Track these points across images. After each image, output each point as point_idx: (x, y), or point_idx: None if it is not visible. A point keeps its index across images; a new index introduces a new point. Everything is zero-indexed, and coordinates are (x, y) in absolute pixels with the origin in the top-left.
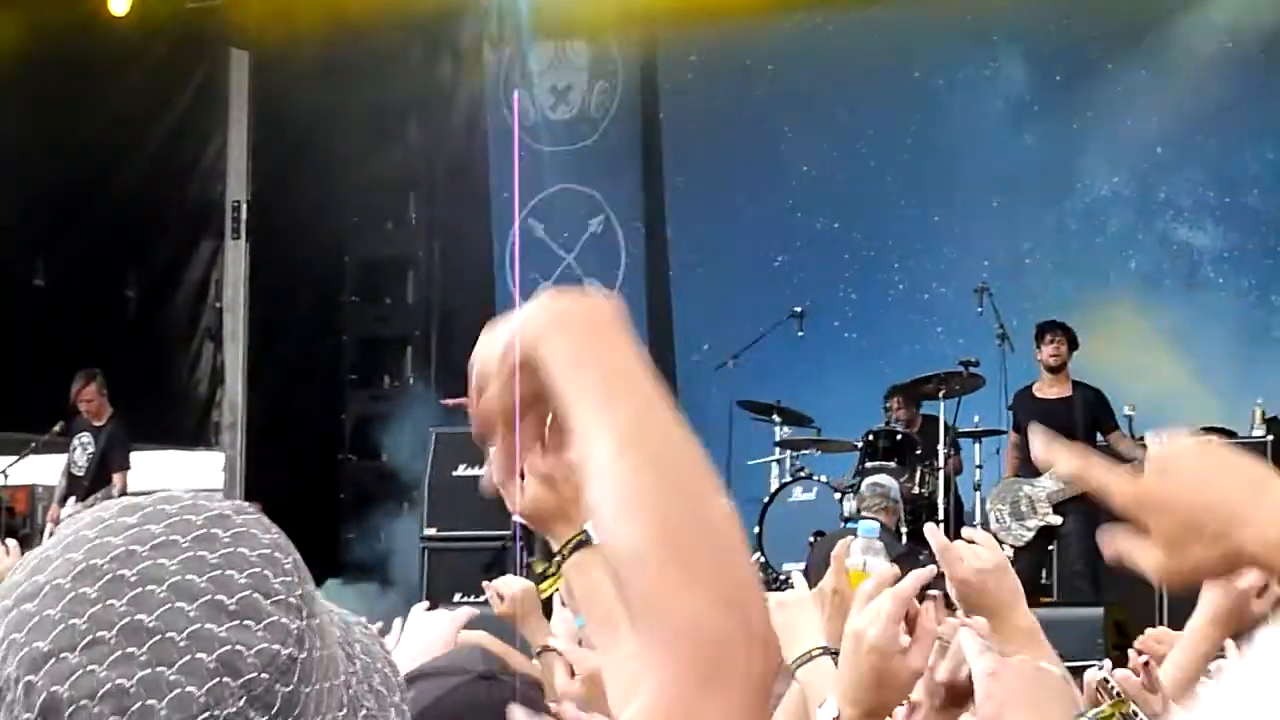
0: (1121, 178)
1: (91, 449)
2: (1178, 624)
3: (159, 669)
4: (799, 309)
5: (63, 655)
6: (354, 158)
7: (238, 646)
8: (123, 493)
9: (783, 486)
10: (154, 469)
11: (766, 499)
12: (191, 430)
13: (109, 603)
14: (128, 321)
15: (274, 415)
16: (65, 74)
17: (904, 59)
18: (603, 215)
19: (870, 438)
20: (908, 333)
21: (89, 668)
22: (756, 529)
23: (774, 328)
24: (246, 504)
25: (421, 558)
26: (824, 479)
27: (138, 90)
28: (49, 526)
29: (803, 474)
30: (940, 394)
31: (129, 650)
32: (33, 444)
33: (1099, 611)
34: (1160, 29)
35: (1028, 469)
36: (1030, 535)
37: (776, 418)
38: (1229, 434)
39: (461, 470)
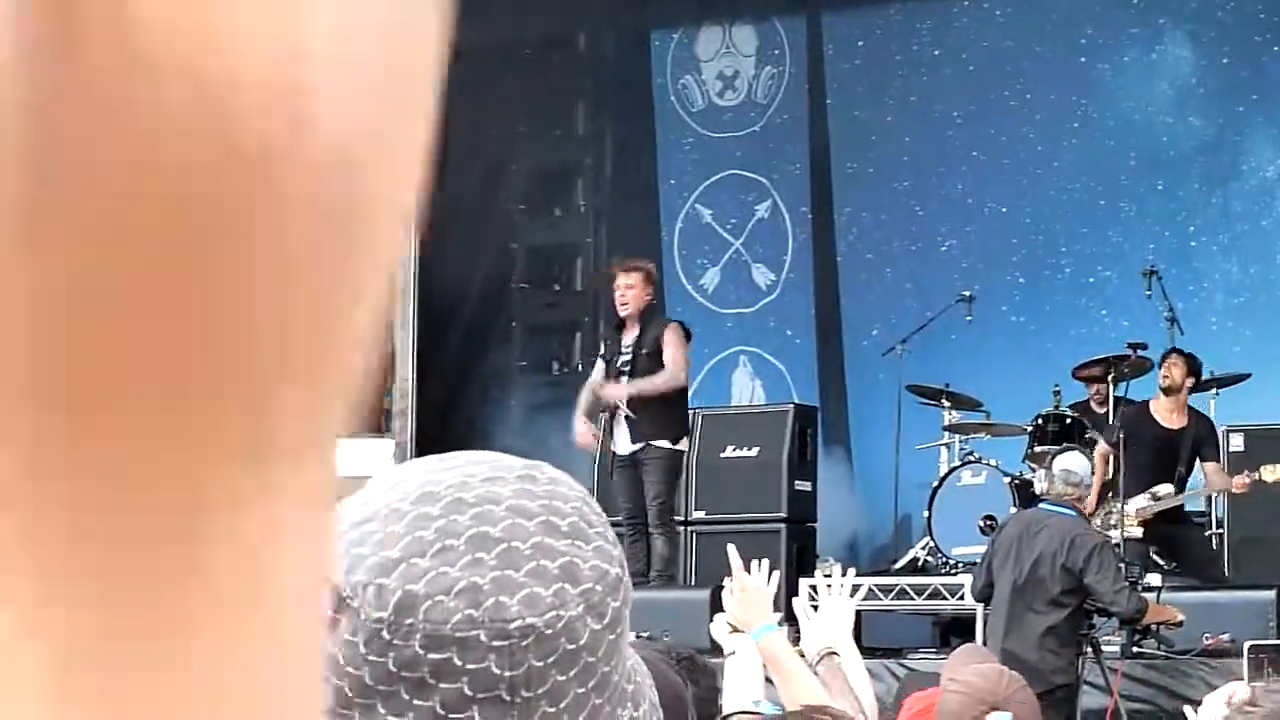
0: None
1: None
2: None
3: (508, 571)
4: (967, 293)
5: (413, 560)
6: (521, 145)
7: (575, 560)
8: None
9: (951, 471)
10: None
11: (936, 483)
12: (363, 417)
13: (453, 518)
14: None
15: (445, 402)
16: None
17: (1069, 43)
18: (770, 201)
19: (1040, 421)
20: (1075, 316)
21: (441, 569)
22: (926, 513)
23: (942, 312)
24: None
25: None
26: (993, 463)
27: None
28: None
29: (972, 458)
30: (1110, 377)
31: (478, 555)
32: None
33: (1270, 595)
34: None
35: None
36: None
37: (945, 402)
38: None
39: (730, 451)
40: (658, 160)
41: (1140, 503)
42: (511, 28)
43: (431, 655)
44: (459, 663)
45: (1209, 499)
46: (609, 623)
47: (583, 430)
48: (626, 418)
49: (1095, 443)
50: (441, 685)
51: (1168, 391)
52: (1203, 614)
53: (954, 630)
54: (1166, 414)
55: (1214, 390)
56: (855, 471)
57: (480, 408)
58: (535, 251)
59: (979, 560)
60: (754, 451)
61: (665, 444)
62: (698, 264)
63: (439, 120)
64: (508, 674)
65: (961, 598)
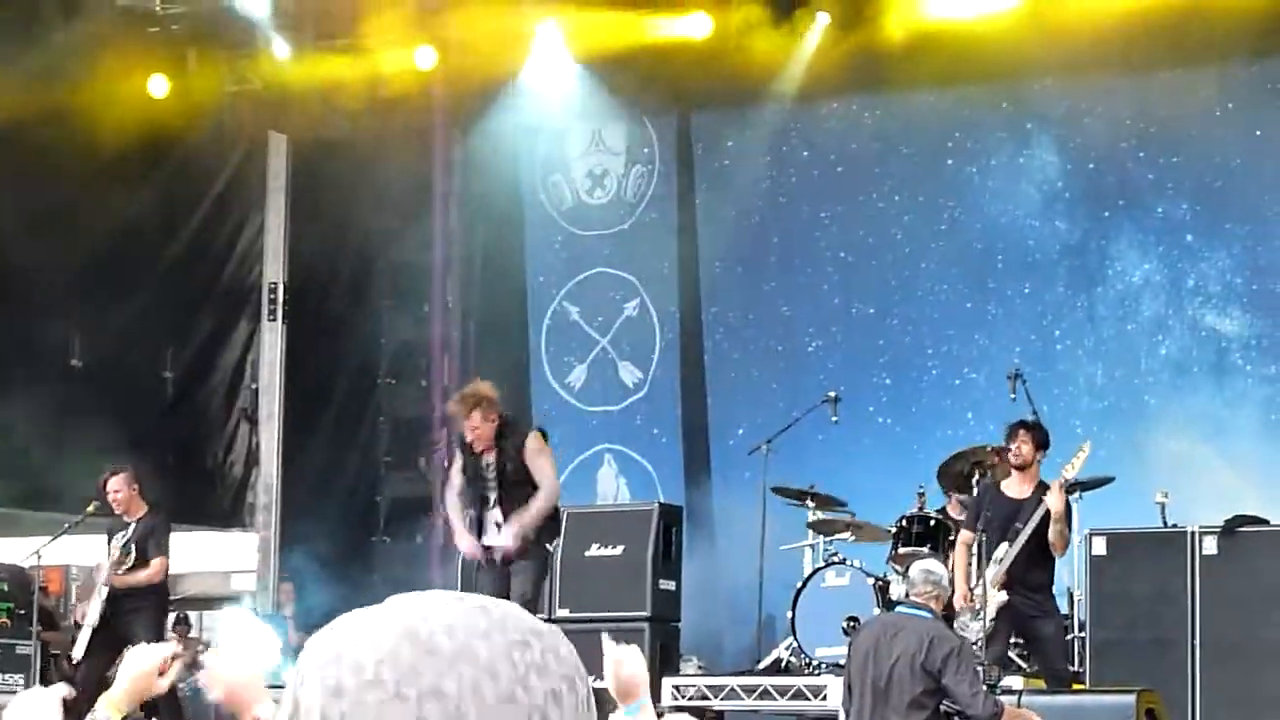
0: (1152, 264)
1: (126, 543)
2: (1211, 711)
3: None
4: (833, 394)
5: (365, 694)
6: (390, 241)
7: None
8: (164, 577)
9: (815, 571)
10: (189, 549)
11: (800, 584)
12: (226, 511)
13: (419, 663)
14: (165, 402)
15: (309, 496)
16: (103, 156)
17: (938, 146)
18: (638, 299)
19: (904, 523)
20: (941, 418)
21: (384, 714)
22: (790, 613)
23: (808, 412)
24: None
25: None
26: (857, 564)
27: (176, 172)
28: (77, 610)
29: (836, 559)
30: (975, 478)
31: (424, 713)
32: (67, 525)
33: (1130, 699)
34: (1192, 118)
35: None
36: (990, 622)
37: (810, 502)
38: (1261, 521)
39: (595, 549)
40: (526, 257)
41: (989, 572)
42: (381, 122)
43: None
44: None
45: (1070, 601)
46: None
47: (471, 544)
48: (497, 523)
49: (955, 544)
50: None
51: (1019, 467)
52: (1062, 718)
53: None
54: (1016, 487)
55: (1077, 494)
56: (719, 571)
57: (347, 502)
58: (402, 347)
59: (841, 663)
60: (619, 550)
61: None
62: (565, 361)
63: (310, 214)
64: None
65: (824, 698)
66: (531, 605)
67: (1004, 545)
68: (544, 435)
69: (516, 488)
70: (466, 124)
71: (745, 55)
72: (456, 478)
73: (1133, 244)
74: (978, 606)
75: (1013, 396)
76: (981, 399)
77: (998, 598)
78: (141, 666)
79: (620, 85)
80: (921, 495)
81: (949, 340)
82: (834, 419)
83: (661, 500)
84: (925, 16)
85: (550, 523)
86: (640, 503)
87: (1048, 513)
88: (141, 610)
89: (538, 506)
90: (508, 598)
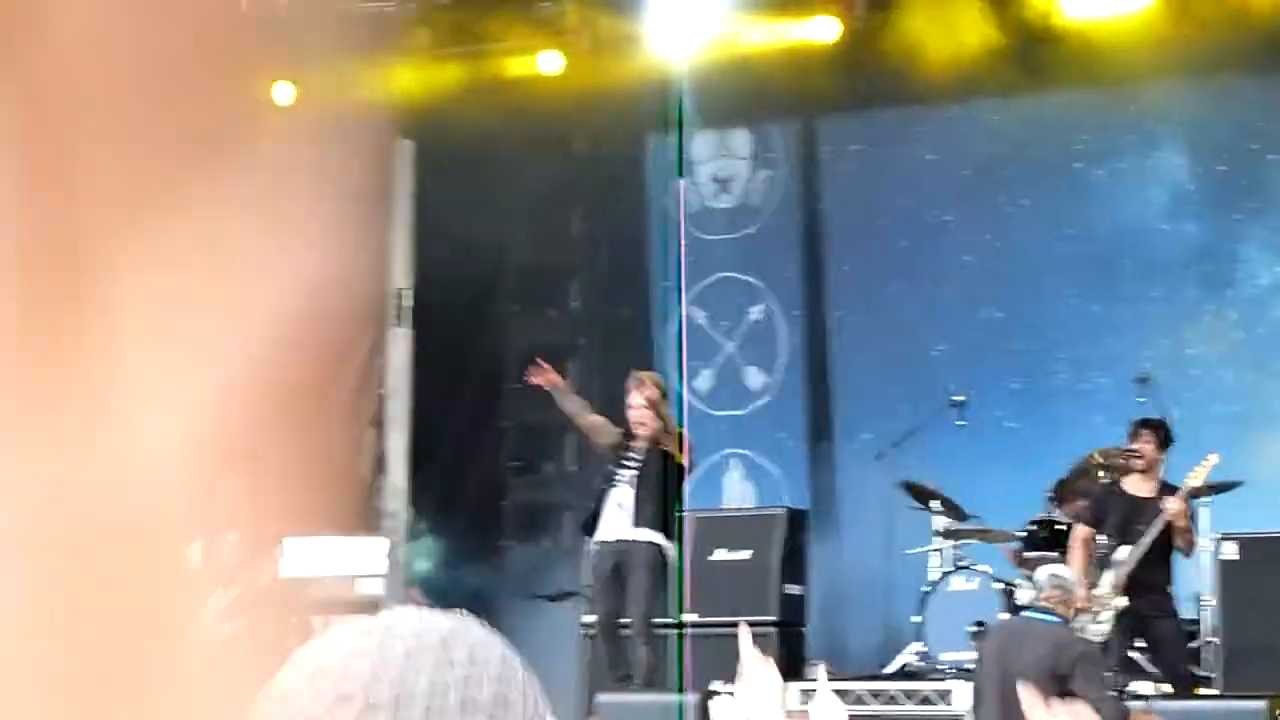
0: None
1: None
2: None
3: None
4: (959, 398)
5: None
6: (516, 245)
7: None
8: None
9: (944, 576)
10: (317, 554)
11: (927, 588)
12: (354, 516)
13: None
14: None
15: (437, 502)
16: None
17: (1064, 148)
18: (764, 304)
19: (1032, 528)
20: (1069, 422)
21: None
22: (917, 618)
23: (933, 416)
24: (467, 621)
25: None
26: (985, 568)
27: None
28: None
29: (963, 564)
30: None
31: None
32: None
33: (1262, 705)
34: None
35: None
36: (1108, 626)
37: (937, 505)
38: None
39: (721, 554)
40: (651, 261)
41: (1109, 576)
42: (507, 128)
43: None
44: None
45: (1198, 607)
46: None
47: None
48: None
49: None
50: None
51: (1142, 470)
52: None
53: None
54: (1138, 485)
55: (1207, 498)
56: (846, 575)
57: (474, 507)
58: (528, 352)
59: (968, 667)
60: (745, 554)
61: (659, 538)
62: (691, 366)
63: (437, 220)
64: None
65: (951, 703)
66: (650, 612)
67: (1124, 548)
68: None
69: (656, 475)
70: (592, 128)
71: (870, 58)
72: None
73: (1264, 246)
74: (1096, 609)
75: (1140, 400)
76: (1110, 403)
77: (1118, 601)
78: None
79: (745, 89)
80: (1051, 500)
81: (1076, 344)
82: (959, 423)
83: (788, 504)
84: (1050, 17)
85: (671, 523)
86: (767, 507)
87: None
88: None
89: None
90: (623, 602)
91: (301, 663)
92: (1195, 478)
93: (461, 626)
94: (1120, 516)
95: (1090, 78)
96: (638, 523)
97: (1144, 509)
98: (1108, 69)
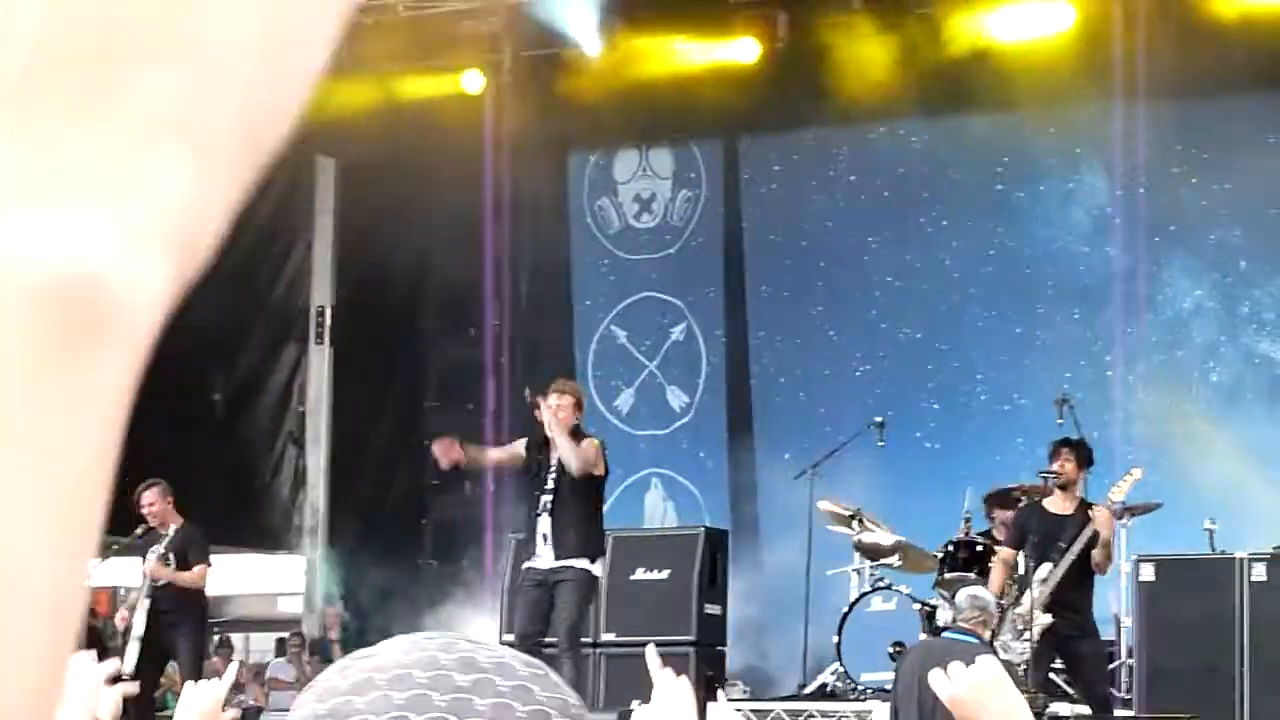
0: (1203, 290)
1: (165, 550)
2: None
3: None
4: (880, 419)
5: None
6: (436, 264)
7: None
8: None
9: (861, 596)
10: (236, 571)
11: (846, 609)
12: (274, 533)
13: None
14: (213, 425)
15: (356, 519)
16: None
17: (987, 171)
18: (685, 323)
19: (950, 548)
20: (989, 443)
21: None
22: (835, 638)
23: (854, 437)
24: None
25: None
26: (904, 589)
27: None
28: (118, 623)
29: (882, 584)
30: (1019, 504)
31: None
32: (114, 546)
33: None
34: (1242, 143)
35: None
36: (1032, 645)
37: (856, 526)
38: None
39: (641, 573)
40: (573, 281)
41: (1033, 593)
42: (429, 146)
43: None
44: None
45: (1118, 628)
46: None
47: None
48: (544, 535)
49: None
50: None
51: (1063, 487)
52: None
53: None
54: (1059, 505)
55: (1126, 519)
56: (765, 595)
57: (394, 526)
58: (448, 370)
59: (887, 688)
60: (665, 574)
61: (584, 564)
62: (612, 385)
63: (357, 238)
64: None
65: None
66: (576, 629)
67: (1046, 565)
68: (603, 448)
69: (572, 497)
70: (513, 147)
71: (792, 80)
72: (504, 450)
73: (1184, 269)
74: (1020, 627)
75: (1059, 421)
76: (1030, 424)
77: (1042, 620)
78: (202, 706)
79: (667, 109)
80: (968, 520)
81: (998, 366)
82: (880, 443)
83: (708, 524)
84: (973, 40)
85: (597, 540)
86: (687, 526)
87: (1093, 534)
88: (182, 625)
89: (574, 445)
90: (548, 622)
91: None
92: (1119, 491)
93: (542, 677)
94: (1041, 535)
95: (1011, 100)
96: (560, 555)
97: (1065, 525)
98: (1029, 92)
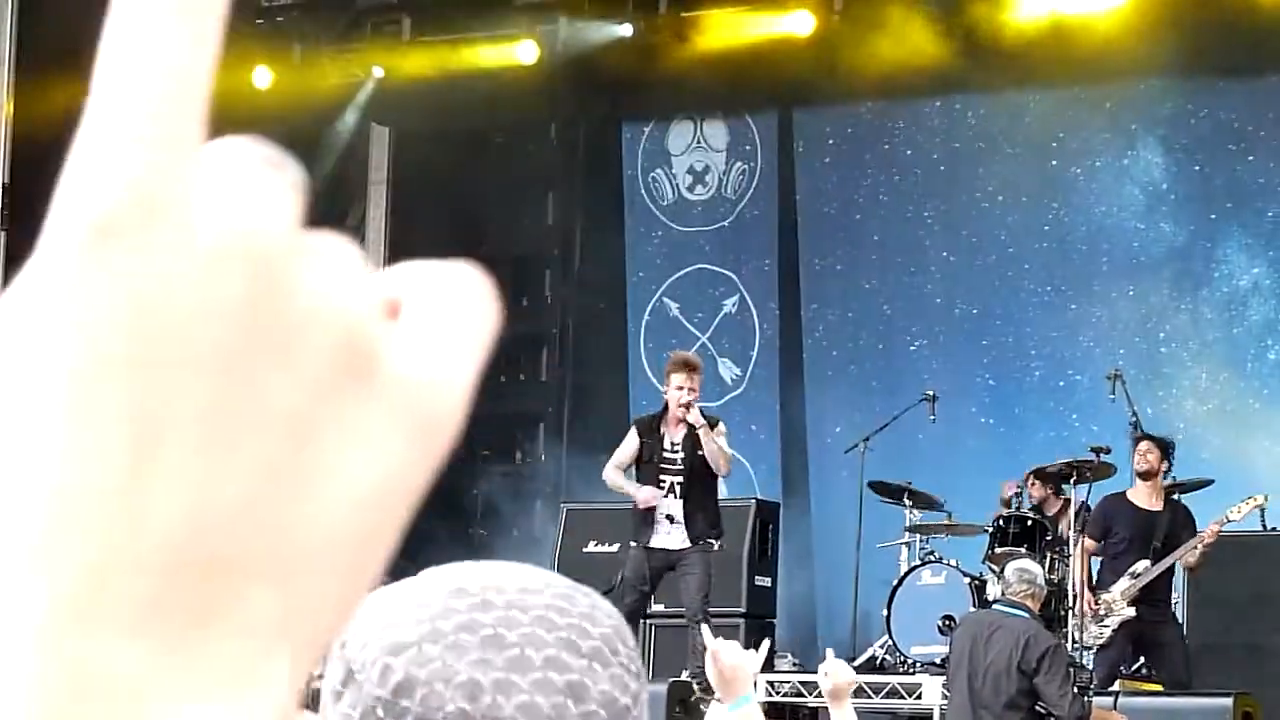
0: (1261, 268)
1: None
2: None
3: (513, 676)
4: (931, 393)
5: (425, 646)
6: (490, 234)
7: (586, 680)
8: None
9: (911, 570)
10: None
11: (895, 582)
12: None
13: (474, 616)
14: None
15: None
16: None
17: (1042, 147)
18: (738, 295)
19: (1001, 522)
20: (1042, 419)
21: (449, 661)
22: (885, 612)
23: (906, 411)
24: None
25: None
26: (953, 563)
27: None
28: None
29: (932, 558)
30: (1073, 480)
31: (487, 656)
32: None
33: (1228, 702)
34: None
35: (1110, 575)
36: (1110, 632)
37: (907, 501)
38: None
39: (592, 546)
40: (626, 253)
41: (1122, 585)
42: (483, 116)
43: None
44: None
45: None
46: None
47: (651, 492)
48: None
49: (1053, 543)
50: None
51: (1145, 476)
52: None
53: None
54: (1145, 498)
55: (1176, 495)
56: (815, 568)
57: (442, 496)
58: (501, 339)
59: (937, 661)
60: (715, 546)
61: (712, 542)
62: (664, 358)
63: (413, 207)
64: None
65: (919, 697)
66: (708, 599)
67: (1144, 562)
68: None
69: (700, 480)
70: (566, 119)
71: (849, 52)
72: (622, 455)
73: (1241, 246)
74: (1103, 613)
75: (1111, 397)
76: (1085, 400)
77: (1125, 612)
78: None
79: (722, 81)
80: (1019, 494)
81: (1052, 342)
82: (931, 418)
83: (758, 496)
84: (1030, 14)
85: (721, 522)
86: (738, 498)
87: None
88: None
89: (718, 447)
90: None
91: (431, 571)
92: (1237, 512)
93: (584, 589)
94: (1132, 529)
95: (1068, 75)
96: (692, 536)
97: (1156, 523)
98: (1086, 67)
